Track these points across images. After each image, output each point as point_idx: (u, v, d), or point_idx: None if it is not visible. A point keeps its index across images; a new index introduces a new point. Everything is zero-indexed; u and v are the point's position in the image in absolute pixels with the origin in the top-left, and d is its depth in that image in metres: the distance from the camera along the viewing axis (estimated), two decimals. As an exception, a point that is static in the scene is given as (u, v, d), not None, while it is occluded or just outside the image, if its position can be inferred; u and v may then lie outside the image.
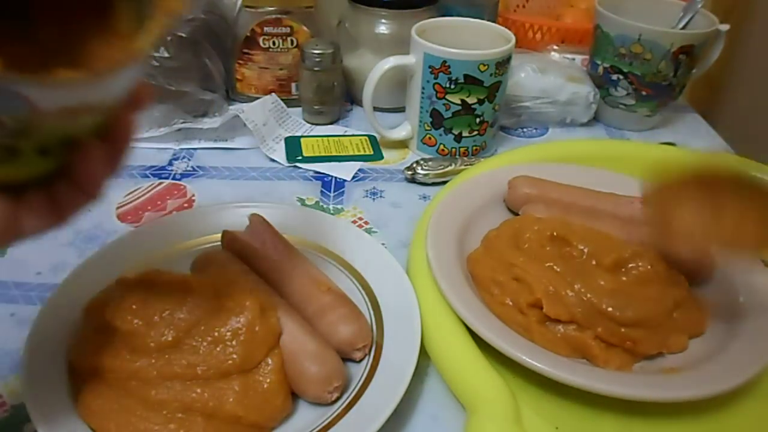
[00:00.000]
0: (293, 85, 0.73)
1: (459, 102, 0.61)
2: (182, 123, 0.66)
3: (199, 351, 0.37)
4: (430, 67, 0.60)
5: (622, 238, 0.46)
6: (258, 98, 0.70)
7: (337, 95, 0.71)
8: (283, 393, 0.37)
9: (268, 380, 0.37)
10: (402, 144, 0.68)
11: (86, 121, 0.25)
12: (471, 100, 0.61)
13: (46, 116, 0.22)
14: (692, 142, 0.72)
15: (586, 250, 0.45)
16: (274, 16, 0.69)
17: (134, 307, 0.38)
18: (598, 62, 0.73)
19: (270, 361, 0.37)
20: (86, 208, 0.29)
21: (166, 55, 0.63)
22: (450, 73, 0.60)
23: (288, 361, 0.38)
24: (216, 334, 0.37)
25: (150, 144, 0.66)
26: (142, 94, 0.28)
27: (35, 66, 0.21)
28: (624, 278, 0.43)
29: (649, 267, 0.43)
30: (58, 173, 0.27)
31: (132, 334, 0.37)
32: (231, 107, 0.68)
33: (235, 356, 0.37)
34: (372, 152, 0.67)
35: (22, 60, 0.21)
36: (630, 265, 0.43)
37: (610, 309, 0.40)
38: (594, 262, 0.44)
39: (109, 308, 0.39)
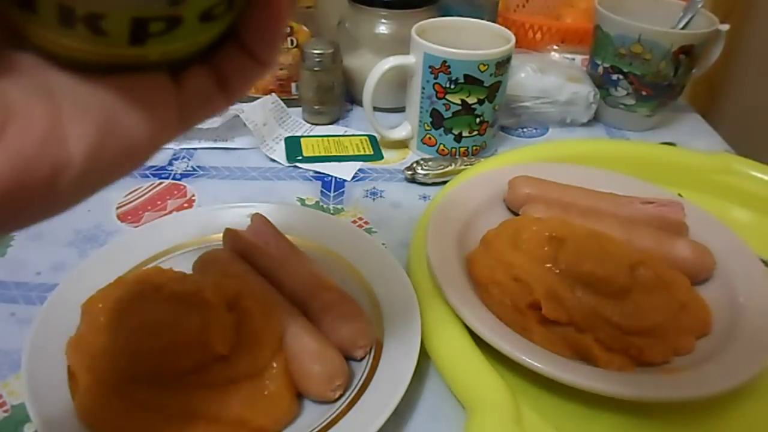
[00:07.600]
0: (293, 85, 0.73)
1: (459, 102, 0.61)
2: (182, 123, 0.66)
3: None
4: (430, 67, 0.60)
5: (622, 238, 0.46)
6: (258, 98, 0.70)
7: (337, 95, 0.71)
8: (289, 396, 0.37)
9: (274, 384, 0.37)
10: (402, 144, 0.68)
11: None
12: (471, 100, 0.61)
13: None
14: (692, 142, 0.72)
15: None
16: (274, 16, 0.69)
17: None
18: (598, 62, 0.73)
19: (275, 365, 0.37)
20: (254, 83, 0.24)
21: (166, 55, 0.63)
22: (450, 73, 0.60)
23: (290, 360, 0.38)
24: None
25: (150, 144, 0.66)
26: None
27: None
28: None
29: (652, 274, 0.43)
30: (221, 42, 0.23)
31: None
32: (231, 107, 0.68)
33: (240, 362, 0.37)
34: (372, 152, 0.67)
35: None
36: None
37: (615, 318, 0.40)
38: None
39: (105, 309, 0.39)
